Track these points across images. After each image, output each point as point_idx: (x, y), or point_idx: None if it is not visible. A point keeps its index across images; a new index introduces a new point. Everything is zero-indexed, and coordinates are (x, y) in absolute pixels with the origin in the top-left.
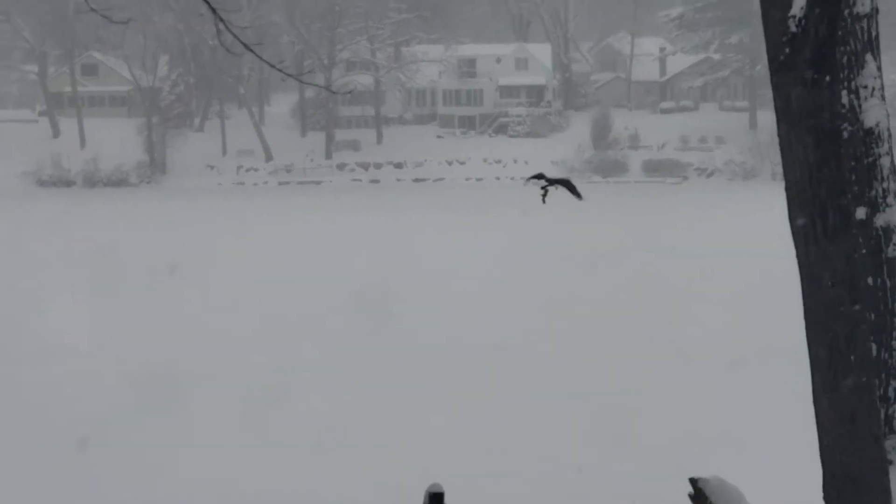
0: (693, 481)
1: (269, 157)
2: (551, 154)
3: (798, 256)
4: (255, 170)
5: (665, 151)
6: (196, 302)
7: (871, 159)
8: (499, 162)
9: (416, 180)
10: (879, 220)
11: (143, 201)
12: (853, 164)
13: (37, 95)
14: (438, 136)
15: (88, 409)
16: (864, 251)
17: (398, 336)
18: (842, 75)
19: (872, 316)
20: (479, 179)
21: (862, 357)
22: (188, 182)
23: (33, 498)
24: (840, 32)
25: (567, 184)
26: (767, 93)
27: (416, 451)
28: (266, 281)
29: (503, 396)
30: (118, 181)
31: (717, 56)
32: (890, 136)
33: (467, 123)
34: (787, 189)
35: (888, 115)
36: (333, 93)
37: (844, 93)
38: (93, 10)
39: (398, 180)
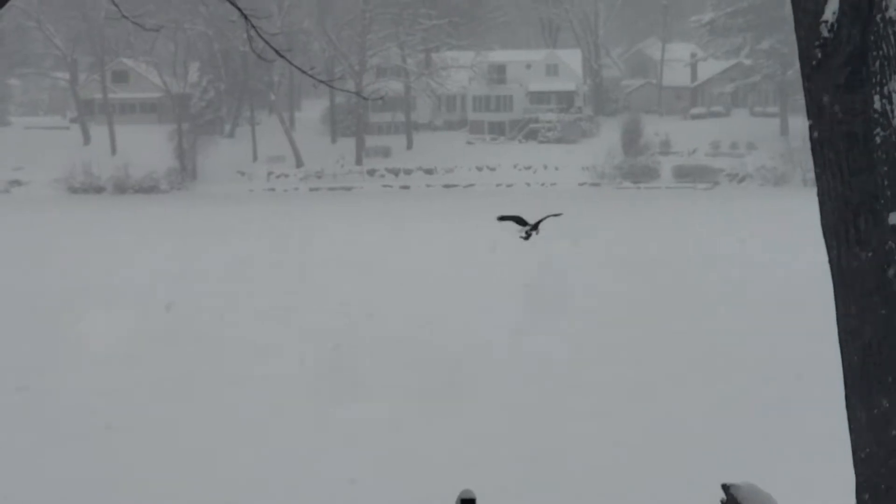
0: (725, 487)
1: (299, 164)
2: (581, 160)
3: (830, 262)
4: (286, 176)
5: (696, 157)
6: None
7: None
8: (529, 168)
9: (447, 186)
10: None
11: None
12: (886, 169)
13: (68, 102)
14: (468, 143)
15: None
16: None
17: (427, 343)
18: (874, 80)
19: None
20: (509, 185)
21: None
22: (219, 188)
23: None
24: (872, 37)
25: (539, 222)
26: (799, 98)
27: (448, 457)
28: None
29: (536, 404)
30: (149, 188)
31: (748, 61)
32: None
33: (497, 129)
34: (820, 195)
35: None
36: (364, 98)
37: (877, 97)
38: (124, 17)
39: (428, 186)
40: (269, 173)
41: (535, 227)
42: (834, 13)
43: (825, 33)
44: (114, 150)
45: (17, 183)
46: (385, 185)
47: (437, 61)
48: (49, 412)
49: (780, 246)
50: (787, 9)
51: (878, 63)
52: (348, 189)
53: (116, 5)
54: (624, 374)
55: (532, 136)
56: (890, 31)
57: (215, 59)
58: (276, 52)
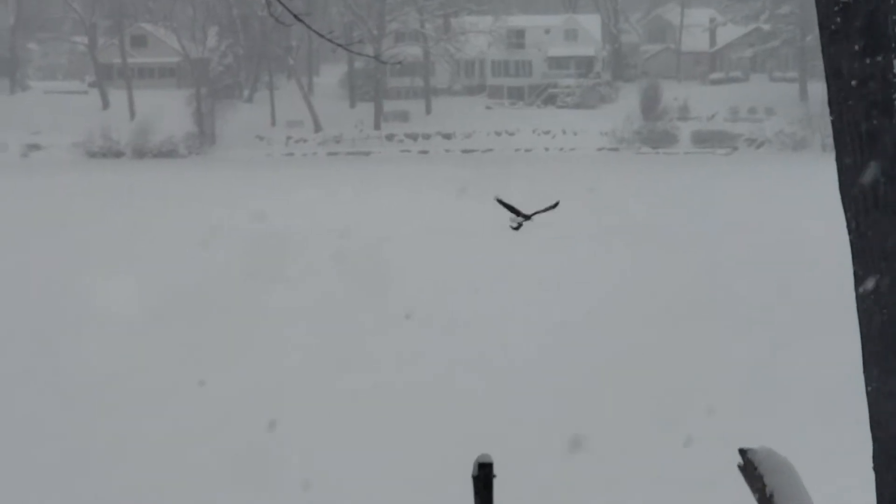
0: (742, 452)
1: (318, 128)
2: (600, 125)
3: (849, 229)
4: (305, 140)
5: (715, 122)
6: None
7: None
8: (548, 133)
9: (465, 151)
10: None
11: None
12: None
13: (86, 67)
14: (487, 107)
15: None
16: None
17: (449, 311)
18: (894, 44)
19: None
20: (527, 150)
21: None
22: (237, 153)
23: None
24: (892, 1)
25: (534, 214)
26: (818, 63)
27: (466, 422)
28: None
29: (557, 371)
30: (167, 152)
31: (767, 26)
32: None
33: (516, 94)
34: (839, 160)
35: None
36: (383, 63)
37: None
38: None
39: (447, 151)
40: (288, 138)
41: (529, 217)
42: None
43: None
44: (132, 115)
45: (35, 147)
46: (403, 150)
47: (456, 26)
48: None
49: (799, 211)
50: None
51: None
52: (366, 154)
53: None
54: (641, 338)
55: (551, 101)
56: None
57: (234, 23)
58: (295, 16)
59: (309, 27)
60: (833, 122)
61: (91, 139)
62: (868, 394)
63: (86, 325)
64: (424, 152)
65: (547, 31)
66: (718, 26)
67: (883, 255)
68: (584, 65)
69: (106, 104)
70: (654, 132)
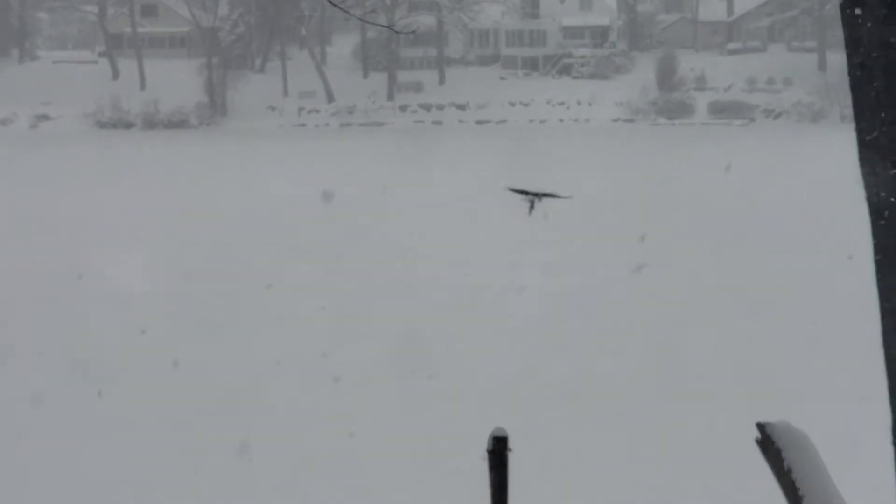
0: (760, 426)
1: (330, 99)
2: (616, 96)
3: (868, 200)
4: (317, 111)
5: (732, 93)
6: None
7: None
8: (562, 104)
9: (479, 122)
10: None
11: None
12: None
13: (96, 36)
14: (501, 78)
15: None
16: None
17: (464, 281)
18: None
19: None
20: (542, 121)
21: None
22: (249, 124)
23: None
24: None
25: (549, 195)
26: (836, 33)
27: (481, 396)
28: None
29: (572, 343)
30: (178, 123)
31: None
32: None
33: (530, 65)
34: (858, 130)
35: None
36: (396, 32)
37: None
38: None
39: (461, 122)
40: (300, 109)
41: (540, 197)
42: None
43: None
44: (143, 85)
45: (45, 117)
46: (417, 121)
47: None
48: None
49: (817, 182)
50: None
51: None
52: (380, 125)
53: None
54: (661, 312)
55: (566, 71)
56: None
57: None
58: None
59: None
60: (852, 92)
61: (101, 110)
62: (887, 368)
63: None
64: (438, 123)
65: (562, 1)
66: None
67: None
68: (600, 34)
69: (116, 74)
70: (670, 103)
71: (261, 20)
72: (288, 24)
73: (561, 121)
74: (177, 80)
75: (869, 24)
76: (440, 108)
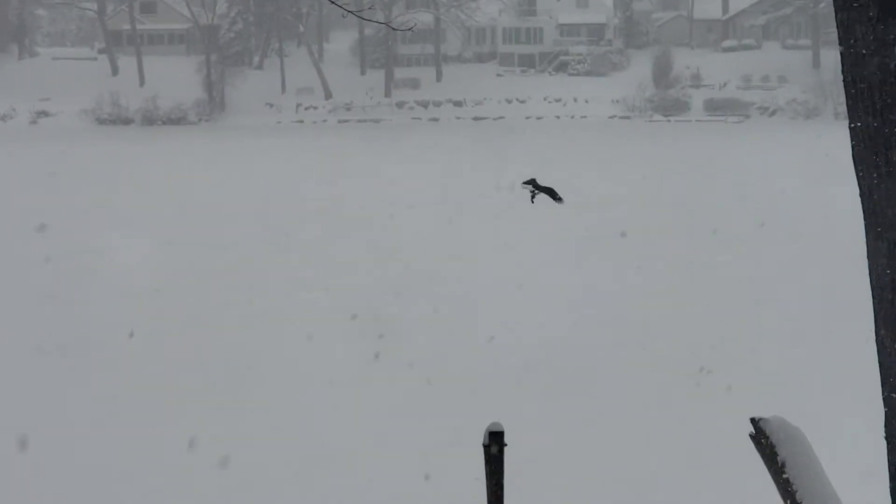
0: (754, 421)
1: (328, 96)
2: (612, 93)
3: (861, 196)
4: (315, 108)
5: (727, 90)
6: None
7: None
8: (559, 101)
9: (476, 119)
10: None
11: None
12: None
13: (96, 33)
14: (498, 75)
15: None
16: None
17: (465, 274)
18: None
19: None
20: (539, 118)
21: None
22: (247, 120)
23: None
24: None
25: (550, 191)
26: (831, 31)
27: (476, 390)
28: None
29: (570, 335)
30: (177, 119)
31: None
32: None
33: (527, 62)
34: (852, 127)
35: None
36: (394, 29)
37: None
38: None
39: (457, 119)
40: (298, 105)
41: (541, 191)
42: None
43: None
44: (142, 82)
45: (44, 114)
46: (414, 118)
47: None
48: None
49: (810, 179)
50: None
51: None
52: (377, 121)
53: None
54: (657, 305)
55: (562, 68)
56: None
57: None
58: None
59: None
60: (846, 90)
61: (100, 106)
62: (880, 362)
63: None
64: (435, 120)
65: None
66: None
67: (894, 220)
68: (596, 32)
69: (115, 71)
70: (666, 100)
71: (259, 17)
72: (286, 20)
73: (557, 118)
74: (176, 77)
75: (863, 22)
76: (437, 104)
